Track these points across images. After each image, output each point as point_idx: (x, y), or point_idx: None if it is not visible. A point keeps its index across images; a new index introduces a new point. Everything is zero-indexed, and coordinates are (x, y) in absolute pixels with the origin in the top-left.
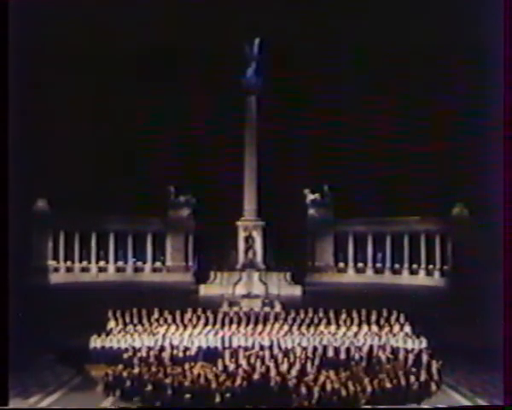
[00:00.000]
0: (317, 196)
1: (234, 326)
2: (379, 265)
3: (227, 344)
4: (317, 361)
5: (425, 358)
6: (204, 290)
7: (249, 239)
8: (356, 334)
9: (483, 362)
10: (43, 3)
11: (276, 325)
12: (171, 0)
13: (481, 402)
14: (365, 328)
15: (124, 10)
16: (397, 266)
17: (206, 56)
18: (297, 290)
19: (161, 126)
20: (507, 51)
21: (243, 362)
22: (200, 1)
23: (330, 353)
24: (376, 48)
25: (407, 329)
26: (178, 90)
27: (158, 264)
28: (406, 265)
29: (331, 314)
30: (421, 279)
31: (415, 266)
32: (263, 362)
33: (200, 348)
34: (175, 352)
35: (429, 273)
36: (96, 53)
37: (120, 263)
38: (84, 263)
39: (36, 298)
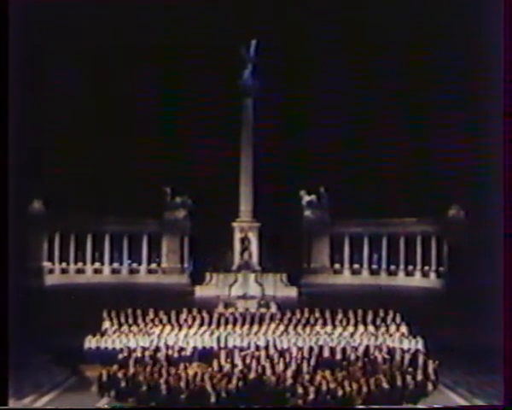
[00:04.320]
0: (312, 197)
1: (229, 326)
2: (375, 266)
3: (222, 344)
4: (312, 361)
5: (421, 358)
6: (200, 292)
7: (245, 240)
8: (352, 334)
9: (480, 363)
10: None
11: (272, 325)
12: (168, 2)
13: (479, 403)
14: (361, 328)
15: (123, 11)
16: (393, 267)
17: (203, 58)
18: (293, 292)
19: (158, 128)
20: (507, 51)
21: (239, 362)
22: (197, 3)
23: (326, 353)
24: (374, 49)
25: (403, 329)
26: (175, 92)
27: (153, 265)
28: (402, 266)
29: (327, 315)
30: (417, 281)
31: (411, 267)
32: (258, 362)
33: (195, 348)
34: (170, 352)
35: (425, 275)
36: (95, 55)
37: (116, 265)
38: (80, 264)
39: (31, 299)
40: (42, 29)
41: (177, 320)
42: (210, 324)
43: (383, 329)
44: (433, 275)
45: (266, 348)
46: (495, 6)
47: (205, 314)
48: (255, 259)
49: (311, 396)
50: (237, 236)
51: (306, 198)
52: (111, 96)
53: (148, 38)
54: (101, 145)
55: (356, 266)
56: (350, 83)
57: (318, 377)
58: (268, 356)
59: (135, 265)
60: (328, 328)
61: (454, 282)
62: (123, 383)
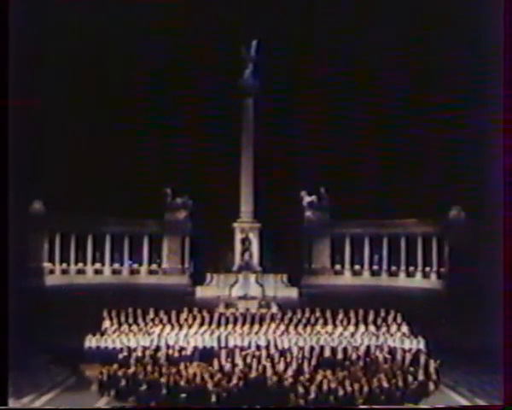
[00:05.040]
0: (313, 198)
1: (230, 326)
2: (376, 267)
3: (223, 344)
4: (313, 361)
5: (422, 358)
6: (200, 292)
7: (246, 241)
8: (353, 334)
9: (481, 363)
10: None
11: (273, 325)
12: (168, 3)
13: (480, 403)
14: (362, 328)
15: (123, 10)
16: (393, 268)
17: (204, 58)
18: (293, 292)
19: (158, 128)
20: (507, 51)
21: (239, 362)
22: (198, 3)
23: (327, 353)
24: (375, 49)
25: (404, 329)
26: (175, 92)
27: (154, 266)
28: (403, 267)
29: (328, 314)
30: (418, 281)
31: (411, 268)
32: (259, 362)
33: (195, 347)
34: (170, 352)
35: (426, 276)
36: (96, 56)
37: (116, 265)
38: (80, 265)
39: (31, 300)
40: (43, 29)
41: (178, 320)
42: (210, 323)
43: (384, 329)
44: (433, 276)
45: (267, 347)
46: (495, 6)
47: (205, 314)
48: (256, 259)
49: (312, 396)
50: (238, 236)
51: (307, 199)
52: (111, 97)
53: (148, 38)
54: (101, 146)
55: (357, 266)
56: (351, 83)
57: (319, 377)
58: (269, 356)
59: (135, 265)
60: (329, 328)
61: (455, 283)
62: (123, 383)
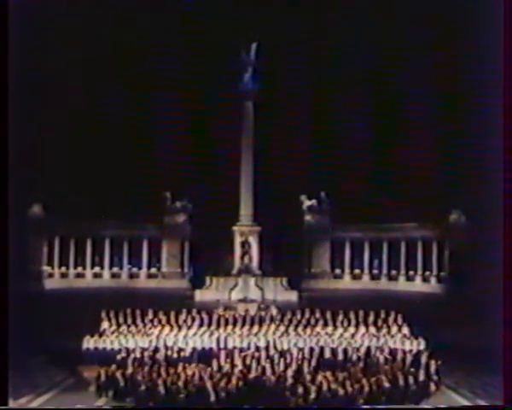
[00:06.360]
0: (313, 202)
1: (229, 327)
2: (375, 271)
3: (222, 345)
4: (313, 362)
5: (423, 358)
6: (200, 296)
7: (245, 244)
8: (353, 335)
9: (482, 364)
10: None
11: (272, 326)
12: (168, 5)
13: (481, 403)
14: (362, 329)
15: (122, 12)
16: (393, 272)
17: (203, 61)
18: (293, 296)
19: (158, 132)
20: (507, 54)
21: (239, 363)
22: (198, 6)
23: (327, 354)
24: (375, 53)
25: (405, 330)
26: (175, 96)
27: (153, 270)
28: (403, 271)
29: (328, 316)
30: (418, 286)
31: (411, 272)
32: (259, 363)
33: (194, 349)
34: (169, 353)
35: (426, 280)
36: (96, 59)
37: (116, 269)
38: (79, 269)
39: (30, 303)
40: (42, 31)
41: (177, 321)
42: (209, 324)
43: (385, 330)
44: (433, 280)
45: (266, 348)
46: (495, 7)
47: (204, 315)
48: (255, 263)
49: (312, 396)
50: (237, 240)
51: (307, 203)
52: (110, 100)
53: (147, 41)
54: (101, 149)
55: (356, 270)
56: (351, 87)
57: (319, 378)
58: (268, 357)
59: (135, 269)
60: (329, 329)
61: (455, 287)
62: (121, 383)
